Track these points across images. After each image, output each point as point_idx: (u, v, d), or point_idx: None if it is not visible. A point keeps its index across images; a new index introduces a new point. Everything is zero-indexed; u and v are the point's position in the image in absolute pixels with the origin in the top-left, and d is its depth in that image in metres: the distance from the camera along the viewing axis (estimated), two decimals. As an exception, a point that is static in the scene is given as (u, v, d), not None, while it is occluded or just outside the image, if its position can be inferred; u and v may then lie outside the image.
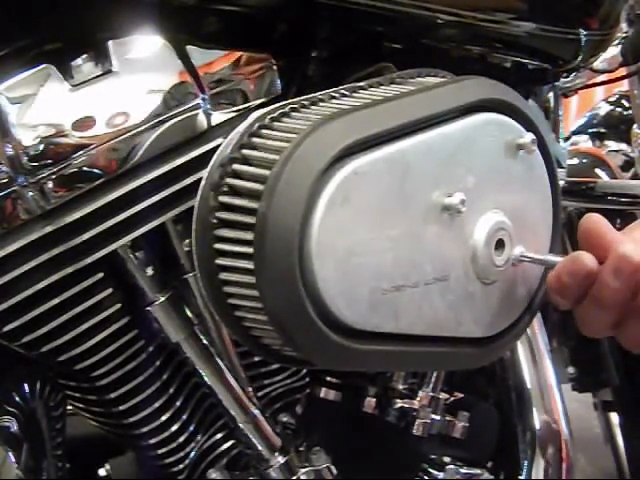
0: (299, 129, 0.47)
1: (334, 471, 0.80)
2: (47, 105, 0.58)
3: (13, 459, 0.62)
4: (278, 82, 0.69)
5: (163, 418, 0.73)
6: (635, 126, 1.72)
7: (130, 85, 0.61)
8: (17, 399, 0.66)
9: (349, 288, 0.47)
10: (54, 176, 0.57)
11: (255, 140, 0.48)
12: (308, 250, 0.45)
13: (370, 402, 0.86)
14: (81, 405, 0.74)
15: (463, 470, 0.92)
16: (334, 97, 0.53)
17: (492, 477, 0.94)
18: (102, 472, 0.83)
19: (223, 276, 0.48)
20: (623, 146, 1.87)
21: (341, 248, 0.46)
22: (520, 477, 0.95)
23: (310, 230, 0.45)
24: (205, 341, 0.72)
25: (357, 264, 0.47)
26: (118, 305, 0.66)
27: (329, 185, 0.46)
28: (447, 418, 0.91)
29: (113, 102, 0.60)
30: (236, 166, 0.48)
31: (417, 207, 0.50)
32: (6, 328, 0.60)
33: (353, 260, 0.47)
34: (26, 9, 0.59)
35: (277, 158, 0.45)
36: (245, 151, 0.48)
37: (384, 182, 0.48)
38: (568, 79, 1.00)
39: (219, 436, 0.79)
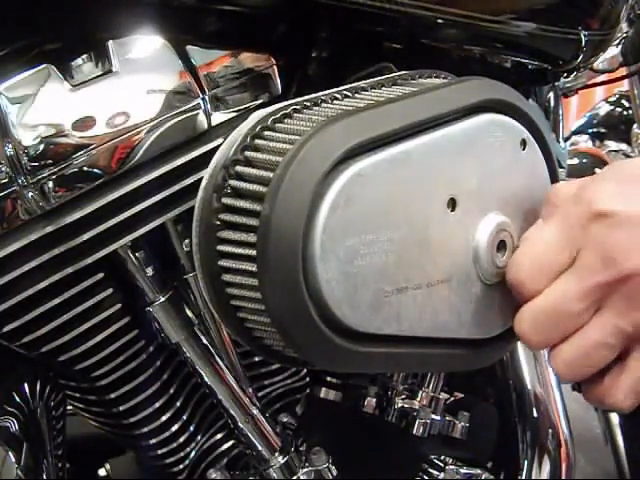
0: (302, 130, 0.47)
1: (334, 471, 0.80)
2: (47, 105, 0.57)
3: (13, 459, 0.62)
4: (278, 82, 0.69)
5: (163, 418, 0.73)
6: (635, 126, 1.72)
7: (130, 85, 0.60)
8: (17, 399, 0.66)
9: (352, 290, 0.46)
10: (54, 176, 0.57)
11: (258, 142, 0.48)
12: (311, 252, 0.45)
13: (370, 402, 0.86)
14: (81, 405, 0.74)
15: (463, 470, 0.92)
16: (336, 98, 0.53)
17: (492, 477, 0.94)
18: (102, 472, 0.83)
19: (225, 278, 0.48)
20: (623, 146, 1.87)
21: (344, 250, 0.46)
22: (520, 477, 0.95)
23: (313, 232, 0.45)
24: (205, 341, 0.72)
25: (360, 266, 0.47)
26: (118, 305, 0.66)
27: (332, 187, 0.46)
28: (447, 418, 0.91)
29: (113, 102, 0.60)
30: (239, 168, 0.48)
31: (420, 209, 0.50)
32: (6, 328, 0.60)
33: (356, 262, 0.47)
34: (26, 9, 0.59)
35: (280, 160, 0.45)
36: (248, 153, 0.48)
37: (387, 184, 0.48)
38: (568, 79, 1.00)
39: (219, 436, 0.79)
